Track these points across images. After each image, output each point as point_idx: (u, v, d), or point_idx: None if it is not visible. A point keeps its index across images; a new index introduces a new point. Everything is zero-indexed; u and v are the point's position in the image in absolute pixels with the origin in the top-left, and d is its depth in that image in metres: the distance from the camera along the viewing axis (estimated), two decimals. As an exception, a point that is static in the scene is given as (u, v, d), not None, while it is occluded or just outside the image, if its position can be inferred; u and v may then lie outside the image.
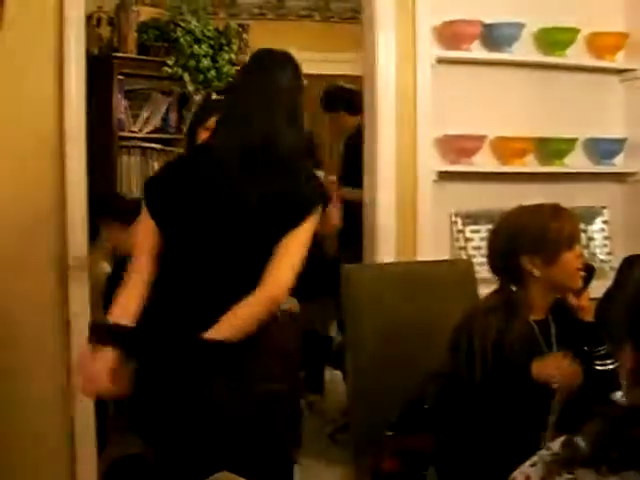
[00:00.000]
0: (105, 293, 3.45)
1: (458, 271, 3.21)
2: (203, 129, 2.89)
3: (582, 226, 3.91)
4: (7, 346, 3.08)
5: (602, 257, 3.94)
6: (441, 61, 3.58)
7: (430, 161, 3.57)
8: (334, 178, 4.48)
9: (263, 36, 6.28)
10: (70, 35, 3.16)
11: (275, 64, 2.41)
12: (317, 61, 6.54)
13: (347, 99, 4.91)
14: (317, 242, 2.42)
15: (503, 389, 2.27)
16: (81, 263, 3.20)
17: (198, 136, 2.93)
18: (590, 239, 3.97)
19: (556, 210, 2.46)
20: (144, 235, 2.31)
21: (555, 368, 2.27)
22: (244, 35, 6.07)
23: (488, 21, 3.65)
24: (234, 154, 2.24)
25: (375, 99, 3.51)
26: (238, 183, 2.22)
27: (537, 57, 3.79)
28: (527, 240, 2.38)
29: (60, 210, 3.18)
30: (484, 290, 3.39)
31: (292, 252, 2.20)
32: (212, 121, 2.61)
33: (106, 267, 3.83)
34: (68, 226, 3.19)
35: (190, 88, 5.32)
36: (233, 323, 2.14)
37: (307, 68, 6.65)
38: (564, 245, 2.39)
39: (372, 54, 3.52)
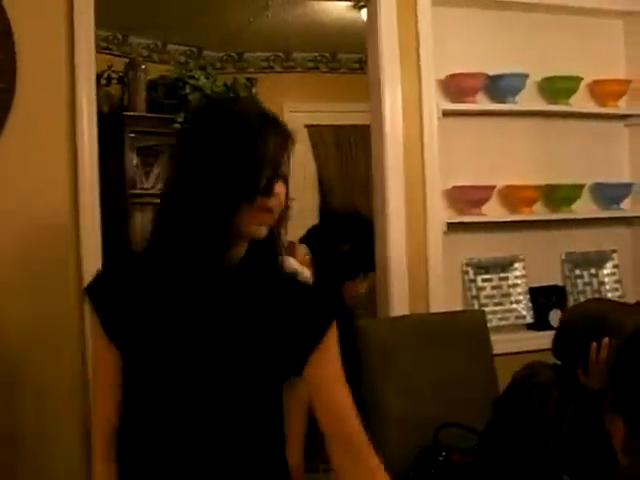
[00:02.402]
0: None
1: (471, 322, 3.25)
2: None
3: (593, 271, 3.96)
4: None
5: (614, 301, 3.96)
6: (447, 114, 3.63)
7: (439, 213, 3.61)
8: None
9: (271, 89, 6.40)
10: (82, 96, 3.19)
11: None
12: (325, 112, 6.65)
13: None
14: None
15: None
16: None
17: None
18: (601, 283, 3.99)
19: None
20: (104, 375, 1.72)
21: None
22: (252, 89, 6.17)
23: (492, 73, 3.72)
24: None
25: (383, 152, 3.55)
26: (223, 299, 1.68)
27: (541, 106, 3.85)
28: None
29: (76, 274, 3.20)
30: (497, 338, 3.47)
31: (335, 378, 1.72)
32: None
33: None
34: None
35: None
36: None
37: (316, 119, 6.79)
38: None
39: (378, 108, 3.57)
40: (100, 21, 5.25)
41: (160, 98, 5.48)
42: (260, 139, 1.63)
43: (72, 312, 3.06)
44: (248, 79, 6.22)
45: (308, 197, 6.78)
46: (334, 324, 1.71)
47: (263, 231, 1.67)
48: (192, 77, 5.57)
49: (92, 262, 3.20)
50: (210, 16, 5.39)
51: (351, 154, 6.96)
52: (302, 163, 6.78)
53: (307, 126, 6.73)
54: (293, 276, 1.91)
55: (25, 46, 2.99)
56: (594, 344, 2.32)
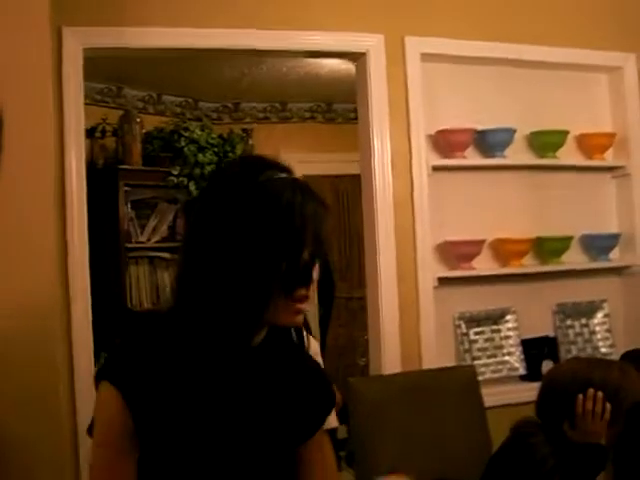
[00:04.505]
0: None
1: (462, 377, 3.27)
2: None
3: (584, 321, 3.99)
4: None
5: (605, 350, 3.98)
6: (437, 168, 3.69)
7: (430, 267, 3.64)
8: None
9: (267, 139, 6.47)
10: (71, 151, 3.23)
11: None
12: (322, 162, 6.69)
13: None
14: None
15: None
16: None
17: None
18: (592, 333, 4.03)
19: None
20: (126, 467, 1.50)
21: None
22: (249, 139, 6.24)
23: (480, 127, 3.78)
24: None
25: (373, 207, 3.60)
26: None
27: (530, 160, 3.92)
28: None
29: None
30: (490, 391, 3.50)
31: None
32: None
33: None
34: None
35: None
36: None
37: (313, 169, 6.84)
38: None
39: (368, 163, 3.62)
40: (94, 73, 5.37)
41: (155, 151, 5.54)
42: (297, 217, 1.41)
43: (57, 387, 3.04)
44: (244, 130, 6.29)
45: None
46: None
47: (301, 319, 1.52)
48: (187, 129, 5.63)
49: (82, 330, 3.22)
50: (205, 67, 5.46)
51: (349, 204, 7.00)
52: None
53: (304, 176, 6.75)
54: (310, 358, 1.74)
55: (12, 104, 2.83)
56: (580, 396, 2.36)
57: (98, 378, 1.50)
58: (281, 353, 1.62)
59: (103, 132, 5.42)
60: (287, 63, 5.53)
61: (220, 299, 1.43)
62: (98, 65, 4.56)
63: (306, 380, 1.66)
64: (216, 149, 5.68)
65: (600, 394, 2.35)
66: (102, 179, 5.02)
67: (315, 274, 1.47)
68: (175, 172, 5.46)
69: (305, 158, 6.66)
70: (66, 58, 3.24)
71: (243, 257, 1.41)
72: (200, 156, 5.53)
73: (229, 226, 1.42)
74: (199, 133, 5.62)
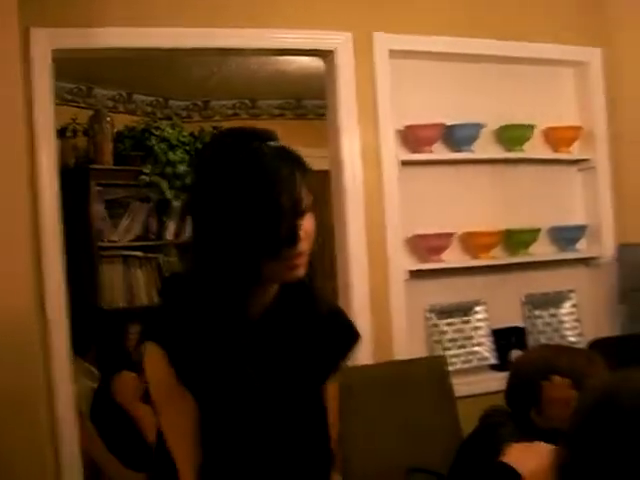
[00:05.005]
0: (92, 410, 3.55)
1: (432, 368, 3.33)
2: None
3: (552, 311, 4.06)
4: None
5: (573, 339, 4.06)
6: (406, 163, 3.74)
7: (401, 260, 3.70)
8: None
9: (237, 136, 6.47)
10: (41, 151, 3.24)
11: None
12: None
13: None
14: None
15: None
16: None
17: None
18: (561, 322, 4.10)
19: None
20: (187, 426, 1.61)
21: None
22: (219, 137, 6.24)
23: (449, 123, 3.83)
24: None
25: (343, 202, 3.64)
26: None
27: (497, 153, 3.98)
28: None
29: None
30: (461, 380, 3.56)
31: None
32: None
33: (87, 382, 3.86)
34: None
35: (168, 195, 5.45)
36: None
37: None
38: None
39: (338, 158, 3.67)
40: (64, 73, 5.37)
41: (127, 150, 5.55)
42: (276, 181, 1.51)
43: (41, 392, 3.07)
44: (214, 127, 6.30)
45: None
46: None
47: (300, 272, 1.59)
48: (158, 128, 5.64)
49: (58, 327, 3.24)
50: (175, 66, 5.47)
51: (322, 199, 6.99)
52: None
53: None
54: (330, 303, 1.85)
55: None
56: (546, 383, 2.42)
57: (143, 338, 1.59)
58: (299, 305, 1.69)
59: (74, 132, 5.42)
60: (256, 60, 5.54)
61: (219, 260, 1.54)
62: (68, 65, 4.57)
63: (325, 322, 1.74)
64: (187, 147, 5.71)
65: (566, 381, 2.41)
66: (74, 179, 5.02)
67: (306, 226, 1.56)
68: (147, 171, 5.47)
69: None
70: (35, 59, 3.24)
71: (232, 222, 1.52)
72: (171, 154, 5.55)
73: (219, 191, 1.54)
74: (170, 131, 5.64)
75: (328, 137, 3.76)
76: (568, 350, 2.69)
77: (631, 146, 4.14)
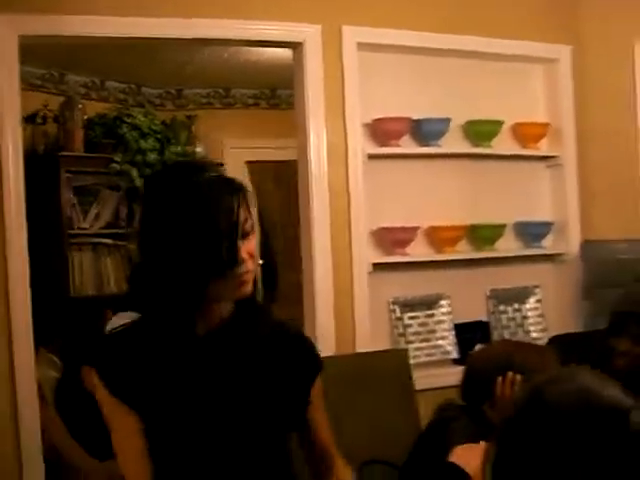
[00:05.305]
0: (57, 398, 3.55)
1: (393, 361, 3.35)
2: None
3: (516, 306, 4.09)
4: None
5: (536, 335, 4.09)
6: (373, 157, 3.75)
7: (365, 253, 3.71)
8: None
9: (211, 125, 6.47)
10: (7, 138, 3.23)
11: None
12: (266, 148, 6.70)
13: None
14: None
15: None
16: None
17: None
18: (525, 317, 4.13)
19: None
20: (133, 441, 1.69)
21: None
22: (192, 126, 6.24)
23: (416, 117, 3.84)
24: None
25: (308, 194, 3.66)
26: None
27: (464, 148, 4.00)
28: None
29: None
30: (423, 374, 3.58)
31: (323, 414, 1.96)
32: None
33: (51, 372, 3.85)
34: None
35: (138, 183, 5.42)
36: None
37: (257, 155, 6.81)
38: None
39: (304, 151, 3.67)
40: (35, 59, 5.33)
41: (98, 137, 5.51)
42: (214, 209, 1.61)
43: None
44: (188, 116, 6.29)
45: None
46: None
47: (247, 289, 1.69)
48: (130, 115, 5.62)
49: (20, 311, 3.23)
50: (149, 54, 5.44)
51: (295, 190, 6.97)
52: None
53: (248, 162, 6.80)
54: (283, 324, 1.90)
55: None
56: (500, 379, 2.45)
57: (81, 362, 1.70)
58: (256, 326, 1.76)
59: (44, 118, 5.37)
60: (228, 50, 5.54)
61: (167, 281, 1.64)
62: (39, 51, 4.55)
63: (286, 348, 1.81)
64: (159, 135, 5.68)
65: (519, 377, 2.44)
66: (43, 165, 5.00)
67: (247, 248, 1.65)
68: (117, 159, 5.45)
69: (248, 144, 6.70)
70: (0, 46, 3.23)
71: (176, 247, 1.62)
72: (142, 142, 5.52)
73: (163, 219, 1.65)
74: (142, 119, 5.61)
75: (296, 129, 3.77)
76: (524, 346, 2.72)
77: (598, 144, 4.17)
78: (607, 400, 1.16)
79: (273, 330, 1.82)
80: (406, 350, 3.52)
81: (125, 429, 1.68)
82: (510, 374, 2.44)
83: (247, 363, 1.73)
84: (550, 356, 2.56)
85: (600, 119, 4.17)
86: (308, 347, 1.89)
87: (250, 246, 1.67)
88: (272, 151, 6.66)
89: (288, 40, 3.67)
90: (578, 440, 1.12)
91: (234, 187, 1.67)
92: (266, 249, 6.83)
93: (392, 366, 3.31)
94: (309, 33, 3.65)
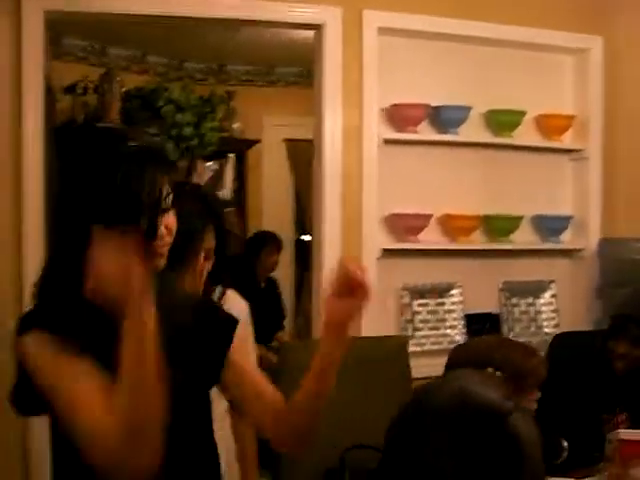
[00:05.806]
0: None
1: (392, 347, 3.35)
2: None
3: (530, 300, 4.05)
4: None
5: (548, 330, 4.05)
6: (389, 142, 3.74)
7: (375, 238, 3.71)
8: None
9: (251, 102, 6.50)
10: (28, 111, 3.30)
11: None
12: (305, 126, 6.67)
13: None
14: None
15: None
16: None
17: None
18: (538, 312, 4.09)
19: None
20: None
21: None
22: (230, 102, 6.28)
23: (436, 103, 3.82)
24: None
25: (321, 176, 3.67)
26: None
27: (484, 138, 3.96)
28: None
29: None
30: (425, 362, 3.58)
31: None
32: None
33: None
34: None
35: (173, 157, 5.48)
36: None
37: (295, 133, 6.81)
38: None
39: (319, 133, 3.70)
40: (78, 31, 5.41)
41: (134, 110, 5.59)
42: (136, 181, 1.57)
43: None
44: (227, 92, 6.33)
45: (284, 211, 6.86)
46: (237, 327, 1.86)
47: (161, 263, 1.67)
48: (167, 89, 5.67)
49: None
50: (189, 29, 5.47)
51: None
52: (281, 178, 6.87)
53: (286, 140, 6.82)
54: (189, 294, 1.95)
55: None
56: None
57: (24, 329, 1.62)
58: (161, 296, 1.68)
59: (85, 89, 5.47)
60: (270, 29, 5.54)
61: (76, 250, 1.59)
62: (82, 23, 4.62)
63: (195, 315, 1.78)
64: (196, 110, 5.73)
65: (498, 374, 2.42)
66: (80, 135, 5.07)
67: (166, 223, 1.63)
68: (153, 132, 5.50)
69: (287, 121, 6.70)
70: (25, 20, 3.29)
71: (94, 217, 1.57)
72: (179, 116, 5.58)
73: (82, 188, 1.62)
74: (179, 93, 5.66)
75: (313, 111, 3.78)
76: (510, 345, 2.69)
77: (626, 138, 4.10)
78: (484, 402, 1.16)
79: (179, 298, 1.82)
80: (405, 337, 3.52)
81: (77, 369, 1.58)
82: (489, 370, 2.43)
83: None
84: (535, 355, 2.54)
85: (629, 112, 4.10)
86: (217, 312, 1.91)
87: (169, 220, 1.65)
88: (310, 130, 6.63)
89: (309, 22, 3.68)
90: (453, 440, 1.14)
91: (160, 159, 1.65)
92: (301, 225, 6.87)
93: (389, 352, 3.31)
94: (330, 15, 3.64)
